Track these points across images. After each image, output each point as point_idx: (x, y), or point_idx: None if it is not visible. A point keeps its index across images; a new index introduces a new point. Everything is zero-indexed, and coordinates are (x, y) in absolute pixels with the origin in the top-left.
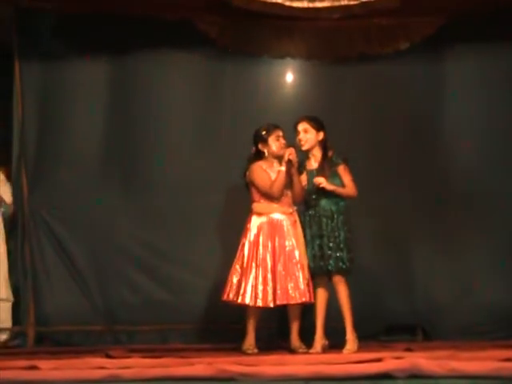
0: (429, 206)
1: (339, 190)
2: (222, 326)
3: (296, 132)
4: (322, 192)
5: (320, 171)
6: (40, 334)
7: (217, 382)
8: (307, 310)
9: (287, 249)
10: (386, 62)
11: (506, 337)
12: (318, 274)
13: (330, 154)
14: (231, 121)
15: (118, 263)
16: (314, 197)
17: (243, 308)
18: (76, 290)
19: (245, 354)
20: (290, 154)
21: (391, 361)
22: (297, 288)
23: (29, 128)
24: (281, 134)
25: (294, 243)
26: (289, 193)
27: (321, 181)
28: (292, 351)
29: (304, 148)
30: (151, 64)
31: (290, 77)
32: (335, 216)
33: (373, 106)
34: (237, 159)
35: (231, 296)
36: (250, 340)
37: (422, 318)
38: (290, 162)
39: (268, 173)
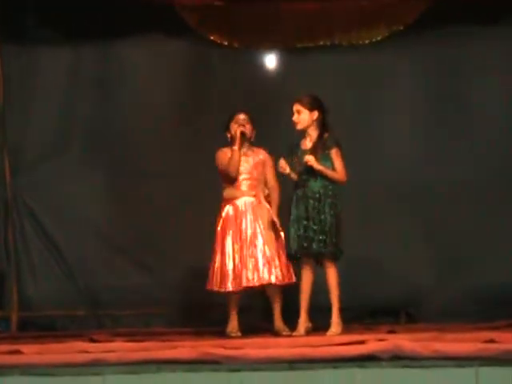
0: (411, 190)
1: (327, 171)
2: (206, 309)
3: (292, 113)
4: (312, 173)
5: (312, 151)
6: (23, 319)
7: (200, 365)
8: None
9: (250, 232)
10: (367, 50)
11: (489, 319)
12: (303, 255)
13: (325, 135)
14: (217, 107)
15: (101, 248)
16: (303, 177)
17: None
18: (59, 275)
19: (228, 337)
20: (239, 130)
21: (375, 343)
22: (255, 270)
23: (11, 113)
24: (242, 117)
25: (257, 226)
26: (254, 174)
27: (309, 158)
28: (276, 334)
29: (298, 128)
30: (134, 50)
31: (271, 65)
32: (322, 199)
33: (355, 95)
34: (223, 144)
35: (209, 284)
36: (233, 323)
37: (406, 301)
38: (242, 136)
39: (228, 155)
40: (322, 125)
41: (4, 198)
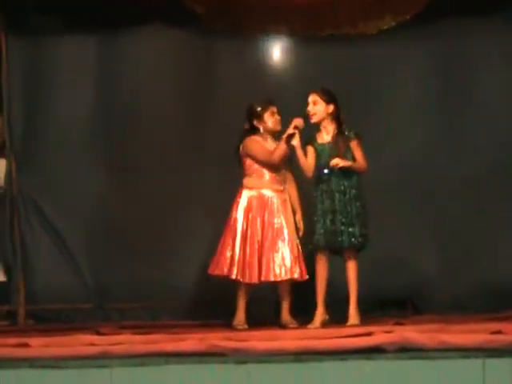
0: (417, 182)
1: (354, 165)
2: (213, 301)
3: (307, 103)
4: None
5: (334, 146)
6: (30, 313)
7: (207, 358)
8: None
9: (275, 226)
10: (373, 40)
11: (496, 310)
12: (329, 249)
13: (343, 127)
14: (221, 98)
15: (107, 242)
16: (325, 171)
17: (233, 284)
18: (66, 269)
19: (235, 329)
20: (296, 122)
21: (381, 334)
22: (283, 265)
23: (16, 107)
24: (275, 109)
25: (282, 221)
26: (282, 170)
27: (337, 161)
28: (283, 327)
29: (313, 120)
30: (139, 42)
31: (278, 55)
32: (347, 191)
33: (360, 87)
34: (227, 137)
35: (219, 270)
36: (240, 316)
37: (412, 292)
38: (296, 129)
39: (263, 144)
40: (338, 118)
41: (10, 194)
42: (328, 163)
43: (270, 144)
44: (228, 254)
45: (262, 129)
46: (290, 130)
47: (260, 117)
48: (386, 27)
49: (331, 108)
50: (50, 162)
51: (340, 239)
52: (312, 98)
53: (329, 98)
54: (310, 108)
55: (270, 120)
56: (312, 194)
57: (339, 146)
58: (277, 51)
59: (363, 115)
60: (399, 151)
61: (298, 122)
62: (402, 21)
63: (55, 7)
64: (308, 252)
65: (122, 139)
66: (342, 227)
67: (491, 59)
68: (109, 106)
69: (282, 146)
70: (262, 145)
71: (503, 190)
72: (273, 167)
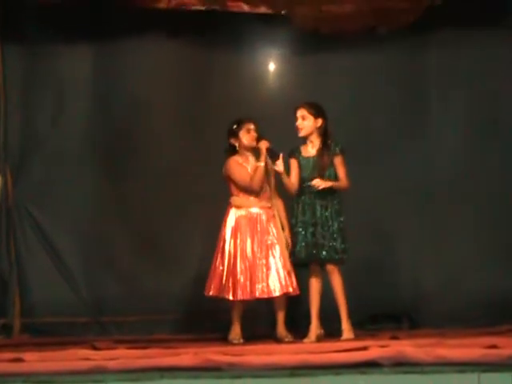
0: (415, 195)
1: (335, 184)
2: (209, 316)
3: (295, 118)
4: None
5: (319, 160)
6: (26, 326)
7: (203, 372)
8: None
9: (267, 243)
10: (368, 47)
11: (492, 324)
12: (311, 262)
13: (329, 142)
14: (217, 109)
15: (103, 254)
16: (308, 184)
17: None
18: (62, 282)
19: (231, 344)
20: (265, 146)
21: (377, 349)
22: (277, 281)
23: (12, 119)
24: (252, 126)
25: (273, 237)
26: (268, 187)
27: (319, 184)
28: (278, 341)
29: (301, 134)
30: (136, 53)
31: (273, 67)
32: (329, 205)
33: (356, 93)
34: (222, 148)
35: (213, 291)
36: (235, 330)
37: (409, 305)
38: (268, 152)
39: (245, 166)
40: (325, 132)
41: (6, 205)
42: (311, 177)
43: (251, 162)
44: (221, 274)
45: (237, 146)
46: (264, 156)
47: (235, 135)
48: (379, 36)
49: (319, 122)
50: (46, 174)
51: (321, 253)
52: (300, 112)
53: (317, 112)
54: (299, 123)
55: (246, 137)
56: (293, 204)
57: (324, 161)
58: (275, 63)
59: (358, 122)
60: (397, 164)
61: (265, 144)
62: (394, 30)
63: (52, 18)
64: (297, 266)
65: (119, 152)
66: (323, 241)
67: (486, 67)
68: (106, 117)
69: (260, 173)
70: (241, 168)
71: (499, 205)
72: (254, 191)
